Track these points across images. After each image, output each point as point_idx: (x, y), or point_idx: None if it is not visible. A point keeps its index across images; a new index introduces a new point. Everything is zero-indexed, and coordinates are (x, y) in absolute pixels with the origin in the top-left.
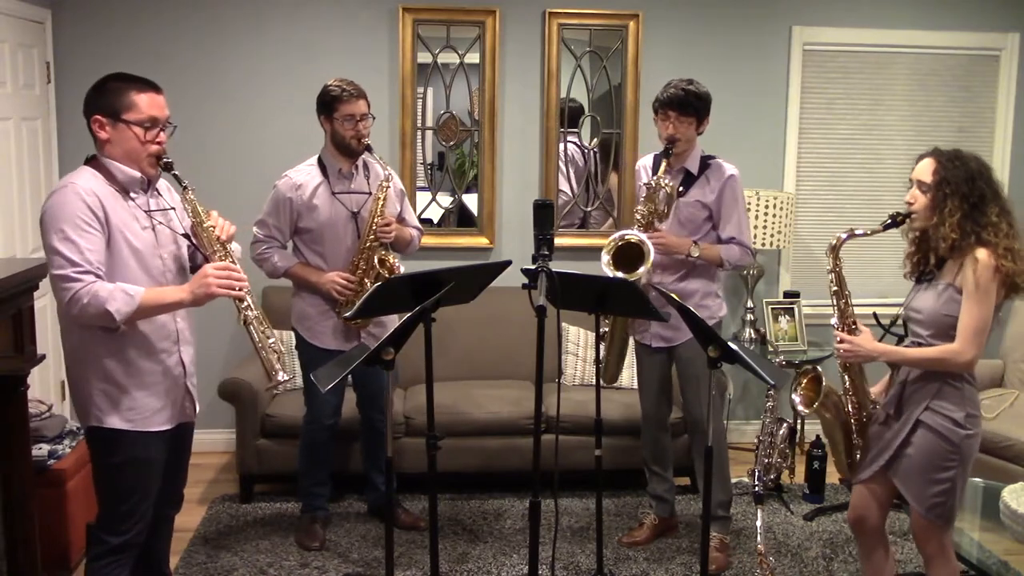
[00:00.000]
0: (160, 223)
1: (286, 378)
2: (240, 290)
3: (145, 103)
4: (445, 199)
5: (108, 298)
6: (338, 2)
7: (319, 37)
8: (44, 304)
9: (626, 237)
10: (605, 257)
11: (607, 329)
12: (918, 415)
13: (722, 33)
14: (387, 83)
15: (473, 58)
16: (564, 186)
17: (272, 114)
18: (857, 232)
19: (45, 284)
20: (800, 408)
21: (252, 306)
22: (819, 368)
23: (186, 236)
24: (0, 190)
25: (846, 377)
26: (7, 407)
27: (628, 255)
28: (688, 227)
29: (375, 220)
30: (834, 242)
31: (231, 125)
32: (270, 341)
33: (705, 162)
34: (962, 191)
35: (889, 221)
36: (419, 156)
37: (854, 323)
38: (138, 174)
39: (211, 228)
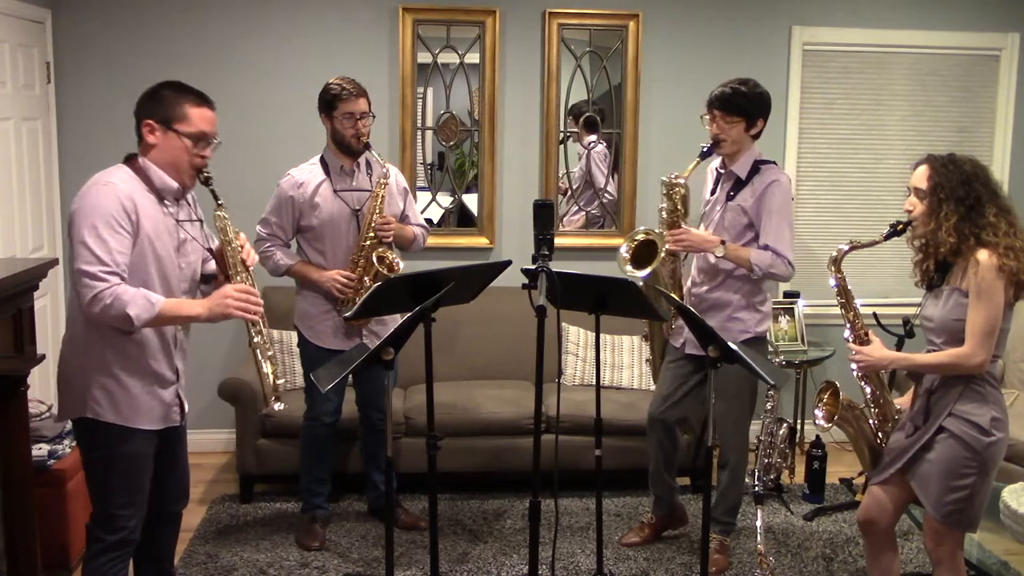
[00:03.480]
0: (188, 235)
1: (281, 408)
2: (255, 315)
3: (198, 117)
4: (445, 199)
5: (130, 302)
6: (338, 2)
7: (319, 37)
8: (44, 304)
9: (641, 234)
10: (625, 254)
11: (648, 331)
12: (941, 421)
13: (722, 33)
14: (387, 83)
15: (473, 58)
16: (612, 188)
17: (273, 114)
18: (858, 243)
19: (45, 284)
20: (822, 423)
21: (263, 332)
22: (837, 382)
23: (210, 251)
24: (0, 190)
25: (867, 388)
26: (7, 407)
27: (647, 253)
28: (731, 232)
29: (374, 218)
30: (835, 254)
31: (232, 125)
32: (273, 369)
33: (756, 167)
34: (957, 194)
35: (890, 230)
36: (419, 156)
37: (866, 333)
38: (175, 184)
39: (238, 249)
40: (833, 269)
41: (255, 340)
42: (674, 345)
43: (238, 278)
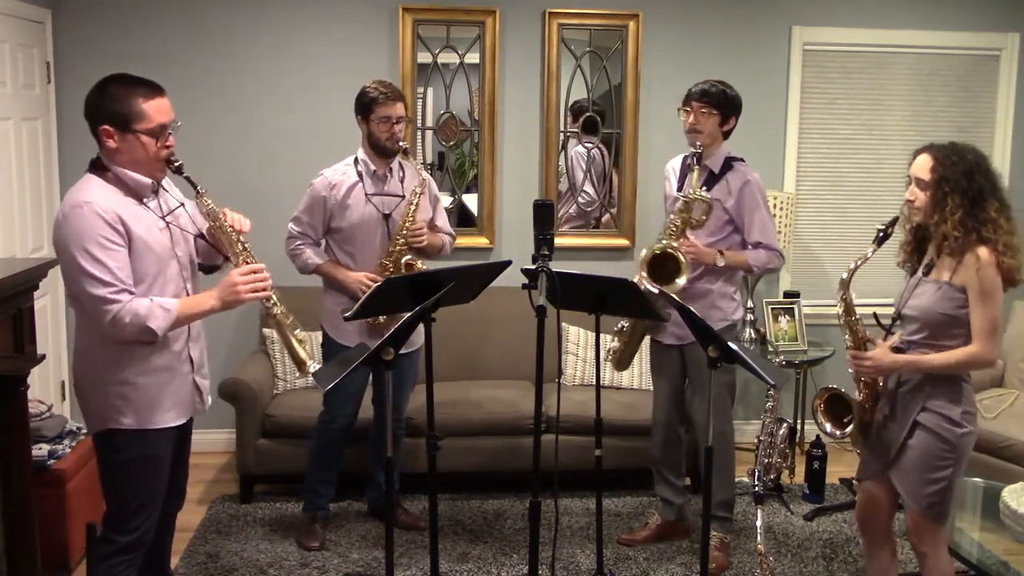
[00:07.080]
0: (173, 224)
1: (317, 367)
2: (265, 291)
3: (154, 110)
4: (445, 199)
5: (148, 315)
6: (338, 2)
7: (319, 37)
8: (44, 304)
9: (659, 248)
10: (643, 271)
11: (626, 324)
12: (915, 416)
13: (722, 33)
14: None
15: (473, 58)
16: (589, 188)
17: (273, 114)
18: (859, 261)
19: (45, 284)
20: (835, 432)
21: (277, 302)
22: (833, 386)
23: (201, 237)
24: (0, 190)
25: (860, 384)
26: (7, 407)
27: (663, 265)
28: (709, 227)
29: (407, 224)
30: (845, 276)
31: (231, 125)
32: (297, 332)
33: (728, 163)
34: (961, 187)
35: (881, 235)
36: (419, 156)
37: (868, 340)
38: (149, 180)
39: (229, 228)
40: (842, 290)
41: (274, 313)
42: (658, 340)
43: (241, 259)
